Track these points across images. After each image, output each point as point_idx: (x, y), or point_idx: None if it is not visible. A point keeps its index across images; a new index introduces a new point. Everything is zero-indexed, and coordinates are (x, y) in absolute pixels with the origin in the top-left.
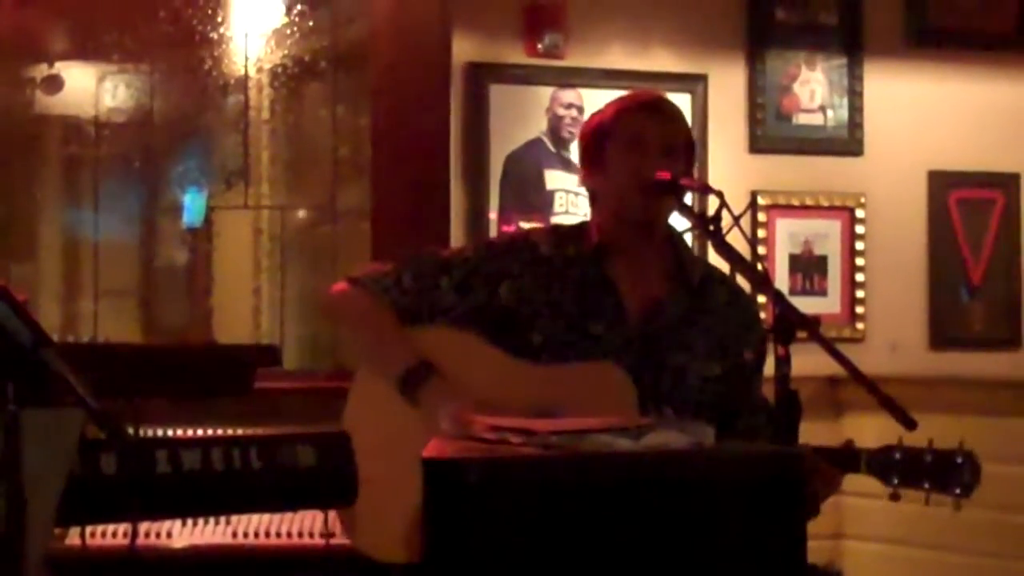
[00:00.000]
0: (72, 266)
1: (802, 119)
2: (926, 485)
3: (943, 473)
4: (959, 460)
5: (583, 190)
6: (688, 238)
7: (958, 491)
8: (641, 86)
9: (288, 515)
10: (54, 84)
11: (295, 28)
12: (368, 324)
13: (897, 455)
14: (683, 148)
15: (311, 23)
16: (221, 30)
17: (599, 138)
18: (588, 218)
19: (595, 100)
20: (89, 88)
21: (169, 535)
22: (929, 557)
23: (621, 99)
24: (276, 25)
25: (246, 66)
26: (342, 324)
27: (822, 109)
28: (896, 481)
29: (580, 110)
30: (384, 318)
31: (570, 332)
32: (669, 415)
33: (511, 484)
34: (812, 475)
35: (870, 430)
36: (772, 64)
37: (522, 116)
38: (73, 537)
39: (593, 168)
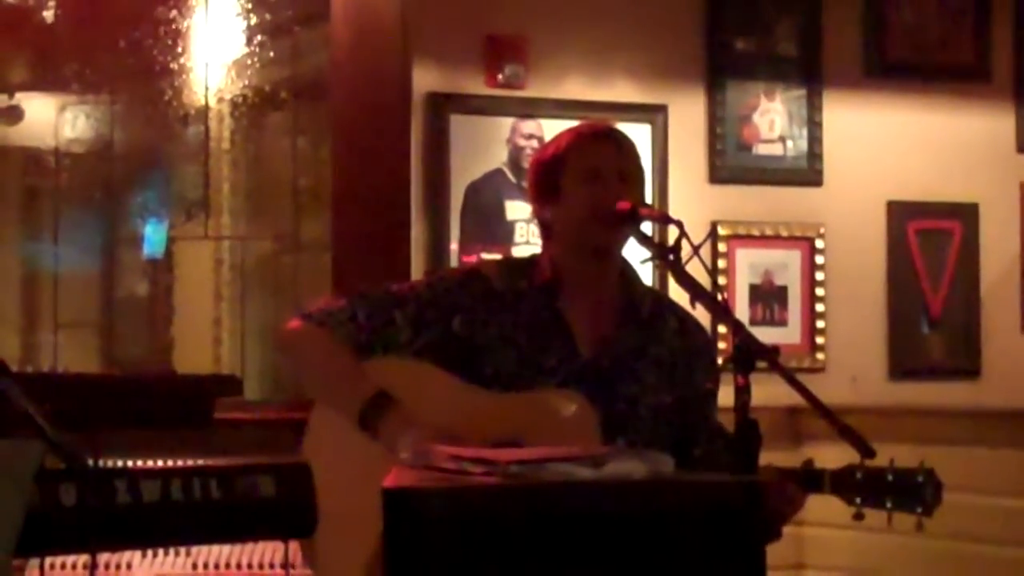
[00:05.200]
0: (32, 297)
1: (762, 149)
2: (888, 504)
3: (905, 491)
4: (920, 479)
5: None
6: (648, 268)
7: (920, 509)
8: (601, 117)
9: (248, 546)
10: (14, 115)
11: (255, 59)
12: (324, 361)
13: (859, 474)
14: (637, 176)
15: (271, 54)
16: (181, 60)
17: (553, 169)
18: (540, 251)
19: (556, 131)
20: (49, 119)
21: (129, 566)
22: None
23: (574, 130)
24: (236, 56)
25: (206, 96)
26: (298, 361)
27: (782, 139)
28: (859, 500)
29: (541, 141)
30: (340, 354)
31: (522, 365)
32: (621, 446)
33: (471, 514)
34: (775, 494)
35: (830, 460)
36: (732, 95)
37: (483, 147)
38: (32, 569)
39: (546, 199)
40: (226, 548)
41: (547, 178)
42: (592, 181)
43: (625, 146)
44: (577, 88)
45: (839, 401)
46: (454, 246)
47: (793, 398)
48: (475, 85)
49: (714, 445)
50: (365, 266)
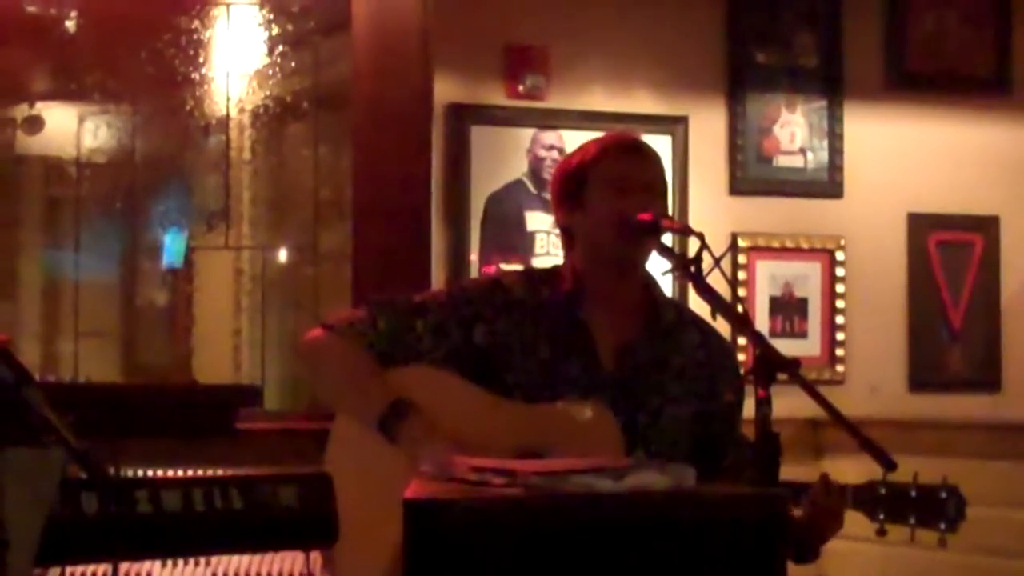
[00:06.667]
0: (53, 306)
1: (782, 161)
2: (911, 520)
3: (928, 508)
4: (943, 495)
5: None
6: (669, 279)
7: (943, 526)
8: (622, 128)
9: (269, 555)
10: (35, 124)
11: (277, 69)
12: (346, 369)
13: (882, 490)
14: (662, 189)
15: (293, 64)
16: (203, 71)
17: (578, 178)
18: (561, 261)
19: (576, 142)
20: (70, 128)
21: (149, 575)
22: None
23: (600, 140)
24: (258, 66)
25: (228, 107)
26: (319, 371)
27: (802, 151)
28: (882, 516)
29: (561, 152)
30: (362, 363)
31: (543, 375)
32: (642, 458)
33: (492, 525)
34: (821, 511)
35: (850, 472)
36: (752, 106)
37: (503, 157)
38: None
39: (571, 208)
40: (246, 558)
41: (572, 188)
42: (618, 192)
43: (651, 158)
44: (598, 99)
45: (859, 413)
46: (474, 257)
47: (814, 410)
48: (496, 96)
49: (741, 454)
50: (385, 276)
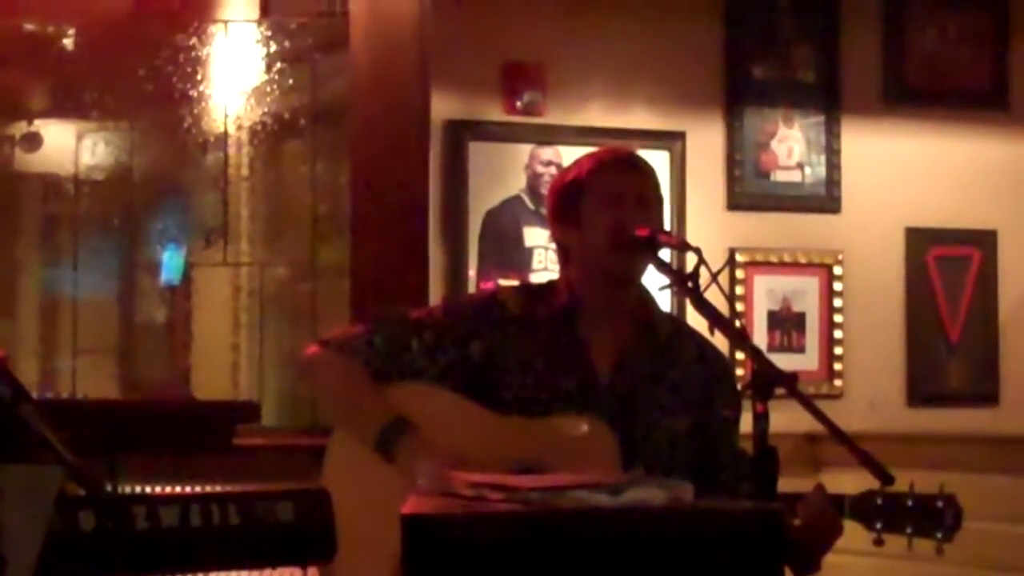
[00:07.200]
0: (50, 323)
1: (780, 176)
2: (908, 530)
3: (925, 517)
4: (940, 504)
5: None
6: (667, 295)
7: (940, 535)
8: (619, 143)
9: (267, 572)
10: (33, 142)
11: (274, 86)
12: (342, 386)
13: (879, 500)
14: (657, 202)
15: (290, 81)
16: (201, 88)
17: (573, 193)
18: (557, 276)
19: (574, 157)
20: (68, 146)
21: None
22: None
23: (594, 155)
24: (256, 83)
25: (225, 123)
26: (317, 387)
27: (800, 166)
28: (879, 526)
29: (559, 167)
30: (358, 380)
31: (539, 390)
32: (640, 473)
33: (490, 541)
34: (818, 524)
35: (848, 486)
36: (750, 121)
37: (501, 173)
38: None
39: (566, 223)
40: (244, 574)
41: (567, 203)
42: (613, 206)
43: (646, 172)
44: (595, 115)
45: (857, 427)
46: (472, 272)
47: (811, 425)
48: (493, 112)
49: (740, 467)
50: (383, 292)
